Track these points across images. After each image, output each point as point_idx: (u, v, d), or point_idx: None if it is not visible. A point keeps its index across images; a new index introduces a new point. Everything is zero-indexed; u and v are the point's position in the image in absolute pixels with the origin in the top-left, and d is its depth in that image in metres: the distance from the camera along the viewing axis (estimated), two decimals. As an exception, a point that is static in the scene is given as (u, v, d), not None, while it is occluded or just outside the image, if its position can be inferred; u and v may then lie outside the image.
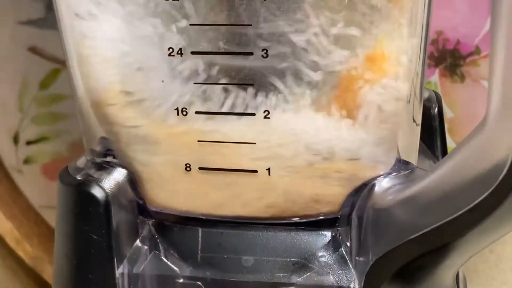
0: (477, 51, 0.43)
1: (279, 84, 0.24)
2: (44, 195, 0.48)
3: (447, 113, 0.44)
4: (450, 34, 0.43)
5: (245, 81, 0.24)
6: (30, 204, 0.49)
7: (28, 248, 0.46)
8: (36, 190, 0.48)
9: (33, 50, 0.46)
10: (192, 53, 0.24)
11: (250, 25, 0.23)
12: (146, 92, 0.25)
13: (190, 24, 0.24)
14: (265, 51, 0.23)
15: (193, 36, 0.24)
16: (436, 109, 0.30)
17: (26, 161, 0.48)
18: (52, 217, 0.48)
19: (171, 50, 0.24)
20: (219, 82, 0.24)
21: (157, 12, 0.24)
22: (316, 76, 0.23)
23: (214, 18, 0.24)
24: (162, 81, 0.25)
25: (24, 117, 0.47)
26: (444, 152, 0.32)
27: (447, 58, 0.43)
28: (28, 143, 0.47)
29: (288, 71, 0.24)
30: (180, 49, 0.24)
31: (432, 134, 0.29)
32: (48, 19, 0.45)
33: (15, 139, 0.47)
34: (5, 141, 0.47)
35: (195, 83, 0.24)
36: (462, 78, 0.43)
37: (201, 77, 0.24)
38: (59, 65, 0.45)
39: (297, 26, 0.23)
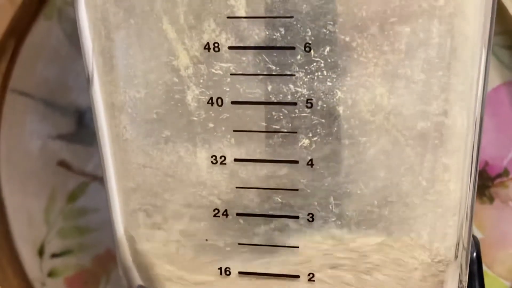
0: (505, 172, 0.43)
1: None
2: (67, 308, 0.48)
3: (476, 235, 0.44)
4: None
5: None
6: (52, 316, 0.48)
7: None
8: (59, 303, 0.48)
9: (62, 164, 0.46)
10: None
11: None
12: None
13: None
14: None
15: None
16: (475, 254, 0.30)
17: (50, 274, 0.47)
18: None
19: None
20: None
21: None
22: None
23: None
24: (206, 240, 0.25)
25: (50, 230, 0.47)
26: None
27: (475, 179, 0.43)
28: (53, 256, 0.47)
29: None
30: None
31: (471, 279, 0.29)
32: (78, 134, 0.45)
33: (40, 252, 0.47)
34: (30, 254, 0.47)
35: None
36: (491, 199, 0.43)
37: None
38: (87, 178, 0.46)
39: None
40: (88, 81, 0.26)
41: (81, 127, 0.45)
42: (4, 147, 0.46)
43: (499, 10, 0.39)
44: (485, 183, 0.43)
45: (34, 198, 0.46)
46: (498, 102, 0.42)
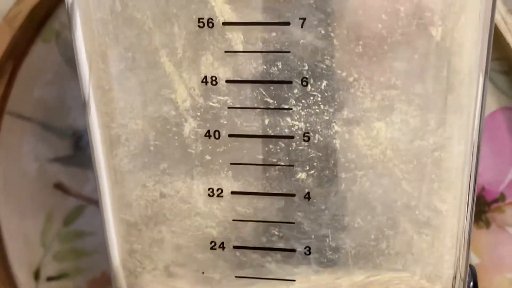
0: (502, 197, 0.43)
1: None
2: (62, 331, 0.48)
3: (473, 259, 0.44)
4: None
5: None
6: None
7: None
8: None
9: (59, 186, 0.46)
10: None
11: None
12: None
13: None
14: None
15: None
16: (472, 283, 0.30)
17: (46, 297, 0.47)
18: None
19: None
20: None
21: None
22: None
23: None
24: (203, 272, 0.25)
25: (46, 252, 0.47)
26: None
27: (472, 204, 0.43)
28: (49, 279, 0.47)
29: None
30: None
31: (468, 309, 0.29)
32: (75, 156, 0.45)
33: (36, 275, 0.47)
34: (26, 277, 0.47)
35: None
36: (488, 224, 0.43)
37: None
38: (83, 201, 0.46)
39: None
40: (84, 107, 0.26)
41: (78, 150, 0.45)
42: (1, 169, 0.45)
43: (495, 36, 0.40)
44: (481, 208, 0.43)
45: (30, 220, 0.46)
46: (494, 127, 0.42)
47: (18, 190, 0.46)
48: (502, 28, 0.40)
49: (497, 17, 0.39)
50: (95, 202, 0.45)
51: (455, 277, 0.25)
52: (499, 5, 0.40)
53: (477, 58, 0.23)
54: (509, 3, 0.40)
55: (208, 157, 0.25)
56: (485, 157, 0.42)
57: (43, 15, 0.43)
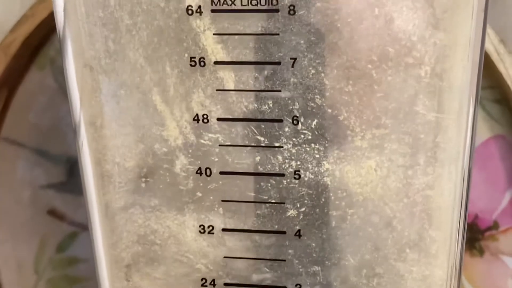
0: (495, 225, 0.43)
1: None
2: None
3: (466, 287, 0.44)
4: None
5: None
6: None
7: None
8: None
9: (52, 213, 0.46)
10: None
11: None
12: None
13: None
14: None
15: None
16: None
17: (38, 324, 0.47)
18: None
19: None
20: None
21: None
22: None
23: None
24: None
25: (40, 279, 0.46)
26: None
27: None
28: (42, 305, 0.47)
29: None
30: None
31: None
32: (68, 183, 0.45)
33: (29, 302, 0.47)
34: (18, 304, 0.47)
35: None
36: (481, 252, 0.43)
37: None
38: (77, 228, 0.46)
39: None
40: (76, 142, 0.26)
41: (72, 177, 0.45)
42: (-6, 196, 0.45)
43: (486, 64, 0.40)
44: (475, 236, 0.43)
45: (24, 246, 0.46)
46: (487, 156, 0.42)
47: (12, 216, 0.46)
48: (495, 58, 0.40)
49: (490, 47, 0.40)
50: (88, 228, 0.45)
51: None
52: (492, 35, 0.40)
53: (467, 97, 0.23)
54: (501, 34, 0.40)
55: (199, 194, 0.25)
56: (478, 185, 0.43)
57: (37, 42, 0.43)
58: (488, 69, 0.41)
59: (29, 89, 0.44)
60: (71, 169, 0.45)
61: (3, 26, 0.43)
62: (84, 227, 0.45)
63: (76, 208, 0.45)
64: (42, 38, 0.43)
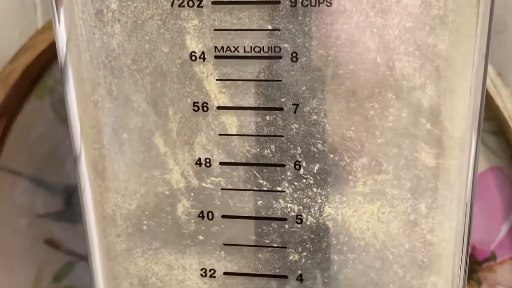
0: (493, 257, 0.43)
1: None
2: None
3: (465, 318, 0.44)
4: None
5: None
6: None
7: None
8: None
9: (50, 242, 0.46)
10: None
11: None
12: None
13: None
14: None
15: None
16: None
17: None
18: None
19: None
20: None
21: None
22: None
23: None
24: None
25: (36, 309, 0.46)
26: None
27: (463, 263, 0.43)
28: (38, 335, 0.46)
29: None
30: None
31: None
32: (66, 212, 0.45)
33: (25, 332, 0.46)
34: (14, 333, 0.46)
35: None
36: (479, 283, 0.43)
37: None
38: (74, 258, 0.45)
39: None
40: (79, 186, 0.26)
41: (69, 206, 0.45)
42: (-9, 225, 0.45)
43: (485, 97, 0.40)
44: (472, 267, 0.43)
45: (21, 276, 0.46)
46: (484, 187, 0.43)
47: (9, 245, 0.46)
48: (492, 90, 0.41)
49: (487, 80, 0.40)
50: (86, 258, 0.45)
51: None
52: (489, 68, 0.40)
53: (468, 144, 0.23)
54: (499, 67, 0.40)
55: (201, 237, 0.25)
56: (475, 216, 0.43)
57: (37, 72, 0.43)
58: (485, 102, 0.41)
59: (28, 119, 0.44)
60: (69, 198, 0.45)
61: (3, 56, 0.43)
62: (82, 257, 0.45)
63: (73, 237, 0.45)
64: (41, 68, 0.43)
